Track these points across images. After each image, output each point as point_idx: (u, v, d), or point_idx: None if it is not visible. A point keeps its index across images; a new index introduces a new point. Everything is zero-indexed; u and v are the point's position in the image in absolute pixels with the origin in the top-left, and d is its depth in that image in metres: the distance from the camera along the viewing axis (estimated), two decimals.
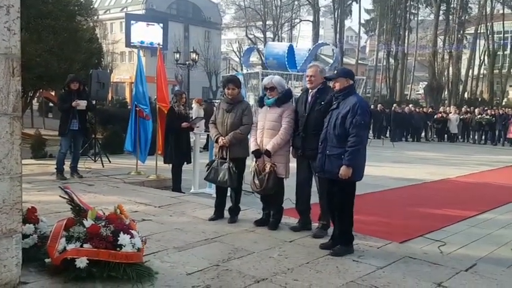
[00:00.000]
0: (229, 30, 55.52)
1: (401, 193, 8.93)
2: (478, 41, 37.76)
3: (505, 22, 37.87)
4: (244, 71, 23.53)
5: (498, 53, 38.73)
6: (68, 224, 3.53)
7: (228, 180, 5.17)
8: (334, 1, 42.98)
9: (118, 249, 3.38)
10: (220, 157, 5.25)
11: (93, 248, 3.34)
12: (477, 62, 38.57)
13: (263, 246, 4.51)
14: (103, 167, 9.60)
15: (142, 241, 3.57)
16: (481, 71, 39.19)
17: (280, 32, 47.39)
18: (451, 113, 23.86)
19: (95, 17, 22.54)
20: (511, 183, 10.61)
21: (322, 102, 4.77)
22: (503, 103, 34.79)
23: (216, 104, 7.65)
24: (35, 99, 21.29)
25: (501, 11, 38.47)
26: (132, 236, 3.47)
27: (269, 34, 46.90)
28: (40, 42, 11.90)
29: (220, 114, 5.35)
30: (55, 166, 8.15)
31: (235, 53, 51.88)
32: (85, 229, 3.43)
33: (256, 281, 3.62)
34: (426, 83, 40.72)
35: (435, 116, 23.56)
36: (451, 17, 39.50)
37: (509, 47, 39.83)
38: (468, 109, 24.29)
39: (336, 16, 43.26)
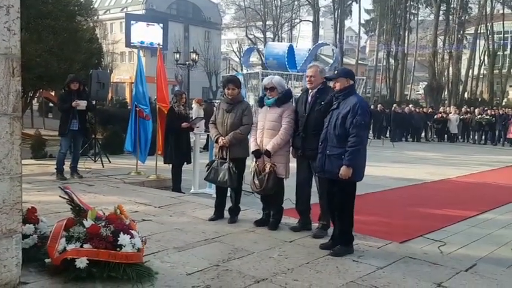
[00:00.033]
0: (229, 31, 55.53)
1: (401, 193, 8.93)
2: (478, 41, 37.76)
3: (505, 22, 37.87)
4: (244, 71, 23.54)
5: (498, 53, 38.72)
6: (68, 224, 3.53)
7: (228, 181, 5.16)
8: (334, 1, 42.99)
9: (118, 249, 3.38)
10: (220, 157, 5.25)
11: (93, 248, 3.34)
12: (477, 62, 38.57)
13: (263, 246, 4.51)
14: (103, 167, 9.60)
15: (142, 241, 3.57)
16: (481, 71, 39.18)
17: (280, 32, 47.40)
18: (451, 113, 23.86)
19: (95, 17, 22.56)
20: (511, 183, 10.61)
21: (322, 103, 4.77)
22: (503, 103, 34.78)
23: (216, 104, 7.65)
24: (35, 99, 21.29)
25: (501, 11, 38.46)
26: (132, 236, 3.47)
27: (269, 34, 46.91)
28: (40, 42, 11.89)
29: (220, 115, 5.35)
30: (55, 166, 8.15)
31: (235, 53, 51.89)
32: (85, 229, 3.43)
33: (256, 281, 3.61)
34: (426, 83, 40.72)
35: (435, 116, 23.57)
36: (451, 17, 39.50)
37: (509, 47, 39.83)
38: (468, 109, 24.29)
39: (335, 16, 43.26)
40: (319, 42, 30.01)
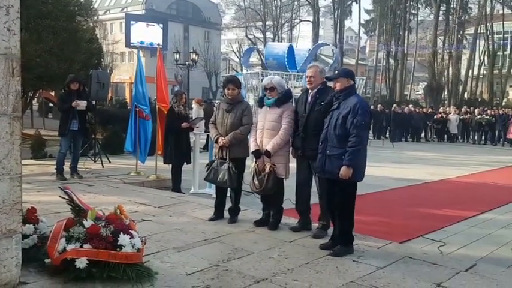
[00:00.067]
0: (229, 31, 55.53)
1: (401, 193, 8.93)
2: (477, 41, 37.77)
3: (504, 22, 37.88)
4: (244, 71, 23.51)
5: (498, 53, 38.74)
6: (68, 224, 3.53)
7: (228, 181, 5.17)
8: (334, 1, 43.00)
9: (118, 249, 3.38)
10: (220, 157, 5.25)
11: (93, 248, 3.34)
12: (477, 62, 38.58)
13: (263, 246, 4.51)
14: (103, 167, 9.60)
15: (142, 241, 3.57)
16: (481, 71, 39.20)
17: (280, 32, 47.40)
18: (450, 113, 23.86)
19: (95, 17, 22.55)
20: (511, 183, 10.61)
21: (322, 103, 4.77)
22: (503, 103, 34.80)
23: (216, 105, 7.65)
24: (35, 99, 21.28)
25: (501, 11, 38.48)
26: (132, 237, 3.47)
27: (269, 34, 46.92)
28: (40, 42, 11.89)
29: (220, 115, 5.36)
30: (55, 166, 8.15)
31: (235, 53, 51.88)
32: (85, 229, 3.43)
33: (256, 281, 3.61)
34: (426, 83, 40.74)
35: (435, 116, 23.57)
36: (450, 17, 39.52)
37: (509, 47, 39.84)
38: (468, 109, 24.29)
39: (335, 16, 43.28)
40: (319, 42, 30.00)
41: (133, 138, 8.51)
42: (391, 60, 41.54)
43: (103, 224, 3.51)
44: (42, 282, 3.35)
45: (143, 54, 24.29)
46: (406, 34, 41.29)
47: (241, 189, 5.46)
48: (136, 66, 9.09)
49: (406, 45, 40.70)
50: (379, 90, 46.25)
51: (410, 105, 25.64)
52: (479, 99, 36.35)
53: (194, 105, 15.03)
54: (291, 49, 21.33)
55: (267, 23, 47.22)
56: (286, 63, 20.35)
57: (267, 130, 5.07)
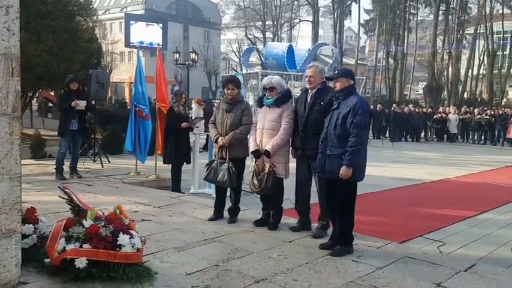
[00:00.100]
0: (228, 31, 55.56)
1: (401, 193, 8.93)
2: (477, 41, 37.79)
3: (504, 22, 37.87)
4: (244, 71, 23.54)
5: (497, 53, 38.73)
6: (68, 224, 3.52)
7: (228, 181, 5.16)
8: (334, 1, 43.00)
9: (117, 249, 3.38)
10: (219, 157, 5.25)
11: (93, 248, 3.34)
12: (476, 62, 38.59)
13: (263, 246, 4.51)
14: (102, 167, 9.59)
15: (141, 241, 3.57)
16: (481, 71, 39.22)
17: (279, 32, 47.42)
18: (450, 113, 23.86)
19: (94, 17, 22.46)
20: (510, 183, 10.62)
21: (322, 102, 4.77)
22: (503, 103, 34.79)
23: (215, 104, 7.64)
24: (35, 99, 21.28)
25: (500, 11, 38.48)
26: (131, 236, 3.47)
27: (269, 34, 46.93)
28: (39, 42, 11.88)
29: (219, 115, 5.35)
30: (54, 166, 8.15)
31: (234, 53, 51.88)
32: (84, 229, 3.43)
33: (256, 281, 3.61)
34: (426, 83, 40.74)
35: (435, 116, 23.57)
36: (450, 17, 39.51)
37: (508, 47, 39.81)
38: (468, 109, 24.28)
39: (335, 16, 43.27)
40: (319, 42, 30.03)
41: (133, 138, 8.51)
42: (391, 60, 41.56)
43: (103, 223, 3.51)
44: (42, 282, 3.34)
45: (143, 54, 24.30)
46: (406, 34, 41.30)
47: (241, 189, 5.46)
48: (135, 66, 9.09)
49: (405, 45, 40.72)
50: (378, 90, 46.28)
51: (410, 105, 25.64)
52: (479, 99, 36.34)
53: (194, 105, 15.03)
54: (290, 49, 21.36)
55: (267, 22, 47.24)
56: (285, 63, 20.38)
57: (266, 130, 5.07)
